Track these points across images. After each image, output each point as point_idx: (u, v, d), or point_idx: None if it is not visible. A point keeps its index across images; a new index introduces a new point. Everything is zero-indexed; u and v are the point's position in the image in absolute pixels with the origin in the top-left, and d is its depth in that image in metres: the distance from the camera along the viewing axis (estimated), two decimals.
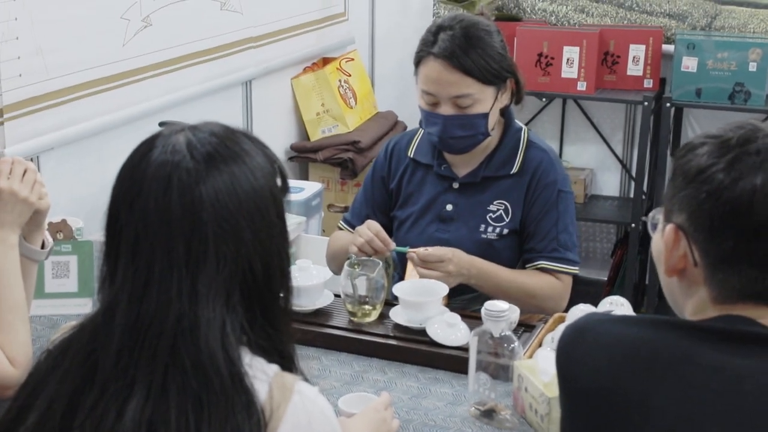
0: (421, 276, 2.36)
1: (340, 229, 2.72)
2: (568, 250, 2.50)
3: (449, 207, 2.55)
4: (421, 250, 2.38)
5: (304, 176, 4.15)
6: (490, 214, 2.52)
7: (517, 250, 2.54)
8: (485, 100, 2.45)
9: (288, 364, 1.37)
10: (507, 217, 2.51)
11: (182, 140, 1.32)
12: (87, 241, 2.40)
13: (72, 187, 2.86)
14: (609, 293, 3.90)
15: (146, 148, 1.33)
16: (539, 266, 2.49)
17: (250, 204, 1.31)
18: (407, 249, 2.41)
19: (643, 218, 1.54)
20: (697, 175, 1.33)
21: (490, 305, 1.90)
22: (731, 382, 1.26)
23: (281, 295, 1.38)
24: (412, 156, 2.62)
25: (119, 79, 3.00)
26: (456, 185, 2.56)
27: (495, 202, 2.52)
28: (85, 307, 2.34)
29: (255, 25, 3.71)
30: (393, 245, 2.42)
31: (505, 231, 2.51)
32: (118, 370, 1.26)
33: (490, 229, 2.51)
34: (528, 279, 2.48)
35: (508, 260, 2.51)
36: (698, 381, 1.27)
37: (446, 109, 2.43)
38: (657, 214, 1.46)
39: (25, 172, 1.97)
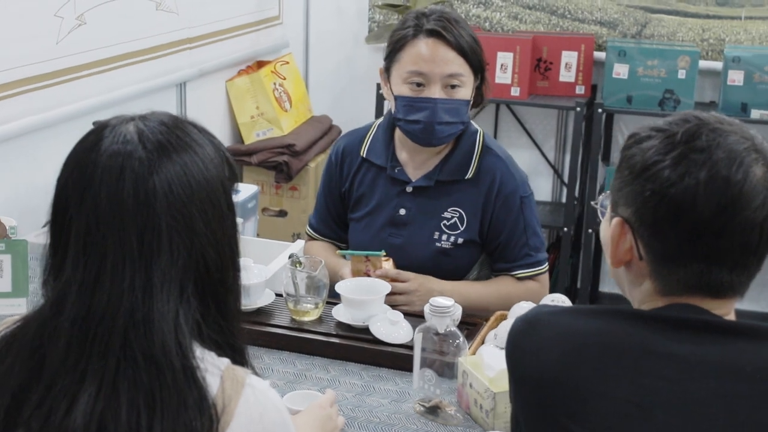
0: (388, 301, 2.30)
1: (311, 237, 2.68)
2: (539, 252, 2.50)
3: (402, 211, 2.50)
4: (386, 273, 2.36)
5: (239, 180, 4.12)
6: (444, 221, 2.47)
7: (473, 258, 2.51)
8: (468, 87, 2.40)
9: (239, 357, 1.36)
10: (462, 226, 2.47)
11: (133, 129, 1.29)
12: (21, 240, 2.34)
13: (5, 186, 2.80)
14: None
15: (95, 138, 1.30)
16: (517, 276, 2.48)
17: (203, 194, 1.29)
18: (379, 253, 2.41)
19: (593, 203, 1.55)
20: (642, 171, 1.34)
21: (434, 302, 1.90)
22: (682, 369, 1.28)
23: (233, 287, 1.36)
24: (364, 156, 2.55)
25: (52, 78, 2.95)
26: (410, 189, 2.50)
27: (449, 209, 2.47)
28: (20, 307, 2.28)
29: (190, 27, 3.67)
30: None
31: (460, 240, 2.47)
32: (67, 365, 1.23)
33: (444, 237, 2.47)
34: (503, 287, 2.46)
35: (463, 268, 2.49)
36: (649, 368, 1.28)
37: (436, 92, 2.36)
38: (605, 200, 1.46)
39: None
